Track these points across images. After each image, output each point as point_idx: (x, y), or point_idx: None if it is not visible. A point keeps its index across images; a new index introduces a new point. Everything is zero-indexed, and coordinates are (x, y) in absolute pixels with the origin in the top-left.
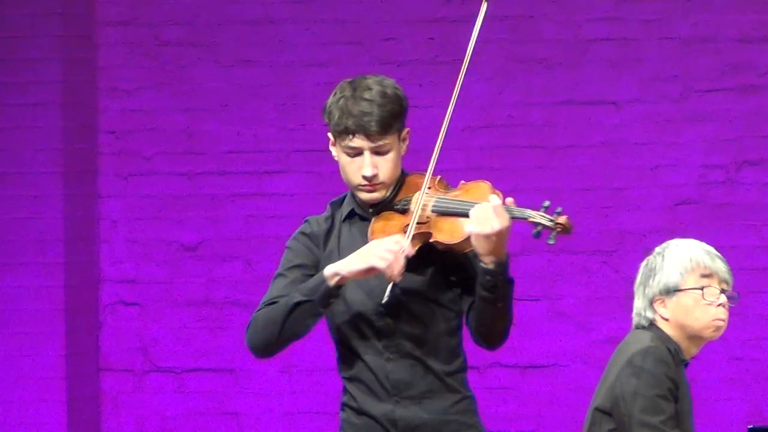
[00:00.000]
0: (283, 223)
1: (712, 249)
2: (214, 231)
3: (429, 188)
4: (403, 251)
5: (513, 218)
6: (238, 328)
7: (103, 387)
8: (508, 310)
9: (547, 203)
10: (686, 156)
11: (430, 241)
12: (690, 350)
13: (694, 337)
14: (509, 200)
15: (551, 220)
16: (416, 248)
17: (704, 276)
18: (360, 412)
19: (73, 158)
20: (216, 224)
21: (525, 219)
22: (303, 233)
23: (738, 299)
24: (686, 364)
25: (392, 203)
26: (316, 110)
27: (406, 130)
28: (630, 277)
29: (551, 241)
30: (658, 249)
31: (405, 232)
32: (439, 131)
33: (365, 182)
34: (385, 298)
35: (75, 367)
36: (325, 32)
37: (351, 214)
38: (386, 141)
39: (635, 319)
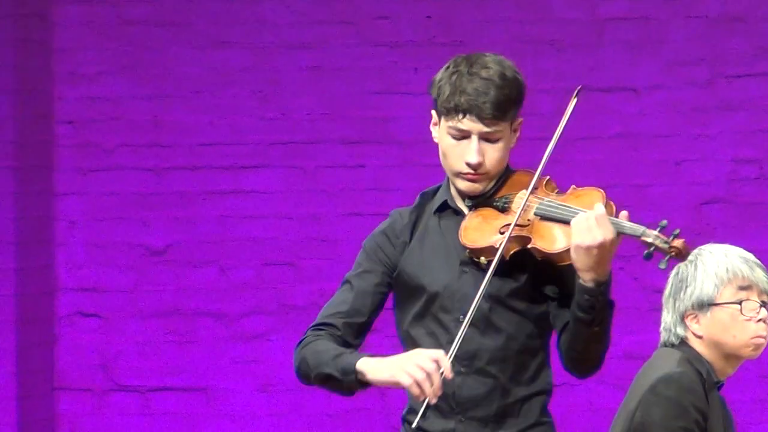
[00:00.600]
0: (262, 224)
1: (750, 256)
2: (184, 233)
3: (535, 188)
4: (441, 372)
5: (623, 234)
6: (210, 342)
7: (60, 408)
8: (604, 335)
9: (664, 222)
10: (714, 149)
11: (528, 247)
12: (725, 370)
13: (730, 356)
14: (623, 213)
15: (666, 242)
16: (512, 252)
17: (742, 288)
18: (417, 427)
19: (26, 151)
20: (187, 225)
21: (637, 237)
22: (382, 231)
23: None
24: (721, 386)
25: (492, 199)
26: (300, 97)
27: (519, 120)
28: (650, 285)
29: (662, 266)
30: (689, 256)
31: (502, 233)
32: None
33: (468, 170)
34: (415, 423)
35: (27, 385)
36: (310, 10)
37: (443, 207)
38: (498, 128)
39: (663, 335)
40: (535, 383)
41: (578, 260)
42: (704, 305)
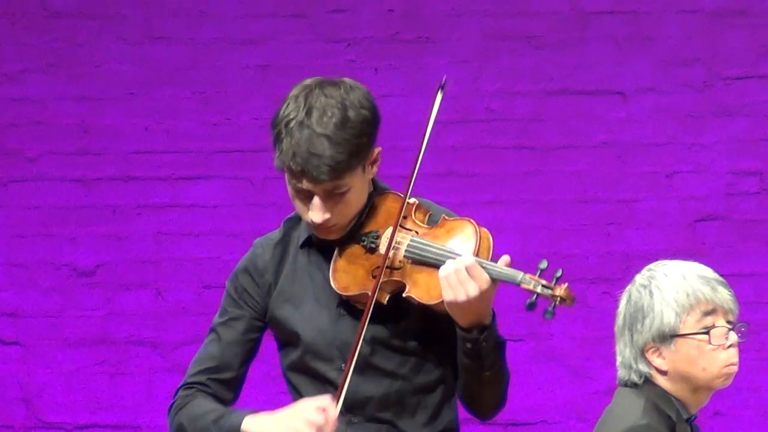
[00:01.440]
0: (203, 242)
1: (710, 273)
2: (116, 251)
3: (404, 218)
4: (331, 422)
5: (498, 280)
6: (145, 374)
7: None
8: (498, 377)
9: (543, 264)
10: (711, 159)
11: (404, 295)
12: (697, 403)
13: (700, 389)
14: (503, 259)
15: (548, 288)
16: (388, 297)
17: (707, 313)
18: None
19: None
20: (119, 243)
21: (516, 285)
22: (244, 270)
23: (748, 330)
24: (693, 418)
25: (358, 234)
26: (246, 100)
27: (376, 151)
28: None
29: (548, 316)
30: (640, 279)
31: (374, 276)
32: (402, 126)
33: (315, 224)
34: None
35: None
36: (258, 1)
37: (309, 241)
38: (342, 182)
39: (622, 373)
40: (437, 422)
41: (453, 313)
42: (666, 337)
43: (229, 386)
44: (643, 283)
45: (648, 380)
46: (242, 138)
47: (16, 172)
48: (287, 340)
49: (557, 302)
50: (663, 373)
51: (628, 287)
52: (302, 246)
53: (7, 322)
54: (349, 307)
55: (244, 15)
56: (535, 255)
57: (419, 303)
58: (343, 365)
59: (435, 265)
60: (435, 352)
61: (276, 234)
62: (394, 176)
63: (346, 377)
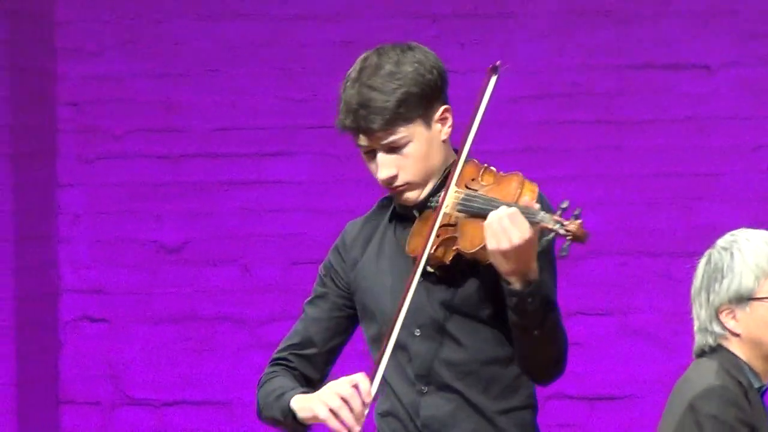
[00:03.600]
0: (288, 218)
1: None
2: (201, 228)
3: (473, 180)
4: (360, 397)
5: (531, 224)
6: (231, 350)
7: (63, 424)
8: (550, 338)
9: (565, 204)
10: None
11: (453, 248)
12: (767, 372)
13: None
14: (537, 206)
15: (562, 225)
16: (451, 257)
17: None
18: None
19: (23, 137)
20: (204, 219)
21: (536, 224)
22: (334, 248)
23: None
24: (764, 391)
25: (430, 199)
26: (329, 76)
27: (442, 108)
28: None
29: (563, 254)
30: (722, 243)
31: (438, 236)
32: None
33: (385, 183)
34: None
35: (27, 398)
36: None
37: (395, 215)
38: (400, 134)
39: (699, 338)
40: (514, 397)
41: (497, 264)
42: (743, 299)
43: (312, 363)
44: (725, 246)
45: (720, 346)
46: (326, 114)
47: (101, 150)
48: (369, 314)
49: (570, 239)
50: (736, 335)
51: (709, 250)
52: (390, 220)
53: (94, 299)
54: (425, 273)
55: None
56: (616, 231)
57: (467, 254)
58: (416, 331)
59: (483, 216)
60: (506, 322)
61: (367, 214)
62: (479, 151)
63: (388, 339)
